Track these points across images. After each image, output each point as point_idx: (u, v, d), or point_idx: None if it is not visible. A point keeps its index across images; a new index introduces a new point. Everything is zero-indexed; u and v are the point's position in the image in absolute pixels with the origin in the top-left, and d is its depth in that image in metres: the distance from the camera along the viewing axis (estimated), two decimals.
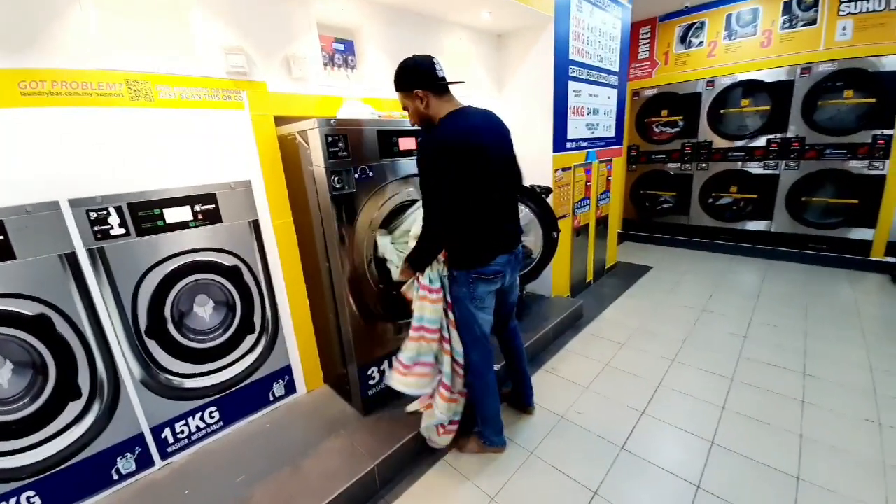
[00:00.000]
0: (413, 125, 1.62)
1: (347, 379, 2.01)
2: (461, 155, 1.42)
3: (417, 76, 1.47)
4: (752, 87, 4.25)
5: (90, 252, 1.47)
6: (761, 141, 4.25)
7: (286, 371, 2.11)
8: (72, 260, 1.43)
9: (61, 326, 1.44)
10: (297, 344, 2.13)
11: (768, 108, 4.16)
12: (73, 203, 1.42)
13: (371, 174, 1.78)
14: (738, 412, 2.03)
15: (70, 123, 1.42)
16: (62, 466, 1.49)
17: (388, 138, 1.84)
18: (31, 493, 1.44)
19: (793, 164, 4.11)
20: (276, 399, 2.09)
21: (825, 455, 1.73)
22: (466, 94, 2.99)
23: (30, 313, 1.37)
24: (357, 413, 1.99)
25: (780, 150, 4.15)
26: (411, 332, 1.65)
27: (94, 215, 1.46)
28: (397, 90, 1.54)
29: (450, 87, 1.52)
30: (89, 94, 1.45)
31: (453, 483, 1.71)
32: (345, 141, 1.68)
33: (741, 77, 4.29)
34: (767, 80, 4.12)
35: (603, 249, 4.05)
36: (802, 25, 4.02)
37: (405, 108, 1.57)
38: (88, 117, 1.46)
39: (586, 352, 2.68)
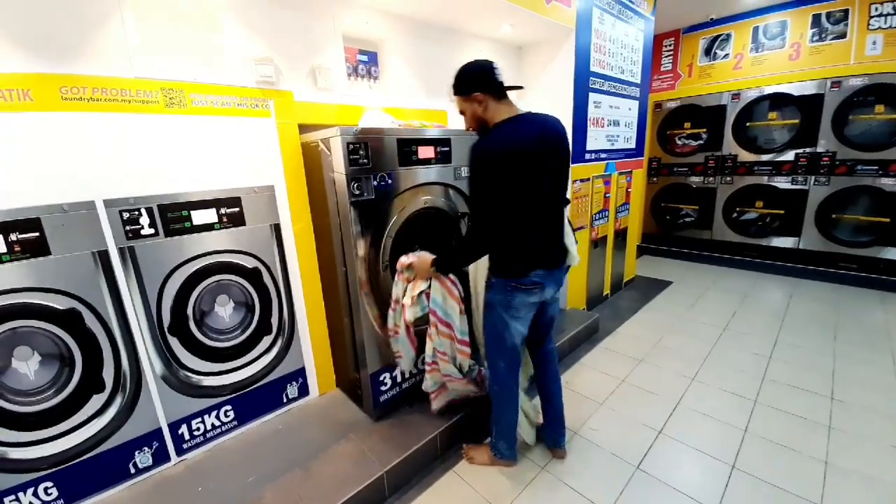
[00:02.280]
0: (468, 130, 1.58)
1: (360, 384, 2.02)
2: (509, 164, 1.37)
3: (477, 79, 1.45)
4: (779, 101, 4.15)
5: (121, 250, 1.53)
6: (789, 155, 4.13)
7: (300, 373, 2.14)
8: (104, 257, 1.50)
9: (90, 321, 1.50)
10: (311, 347, 2.16)
11: (797, 121, 4.05)
12: (108, 203, 1.48)
13: (390, 182, 1.81)
14: (761, 436, 1.94)
15: (107, 128, 1.50)
16: (81, 458, 1.54)
17: (407, 147, 1.86)
18: (48, 483, 1.48)
19: (823, 179, 3.97)
20: (290, 401, 2.12)
21: (851, 483, 1.65)
22: None
23: (61, 307, 1.44)
24: (368, 418, 1.99)
25: (810, 165, 4.02)
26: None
27: (126, 215, 1.52)
28: (456, 94, 1.51)
29: (508, 93, 1.49)
30: (127, 101, 1.53)
31: (463, 495, 1.69)
32: (365, 149, 1.71)
33: (768, 90, 4.19)
34: (796, 93, 4.02)
35: (621, 262, 3.98)
36: (832, 39, 3.93)
37: (462, 113, 1.54)
38: (125, 122, 1.53)
39: (602, 367, 2.63)
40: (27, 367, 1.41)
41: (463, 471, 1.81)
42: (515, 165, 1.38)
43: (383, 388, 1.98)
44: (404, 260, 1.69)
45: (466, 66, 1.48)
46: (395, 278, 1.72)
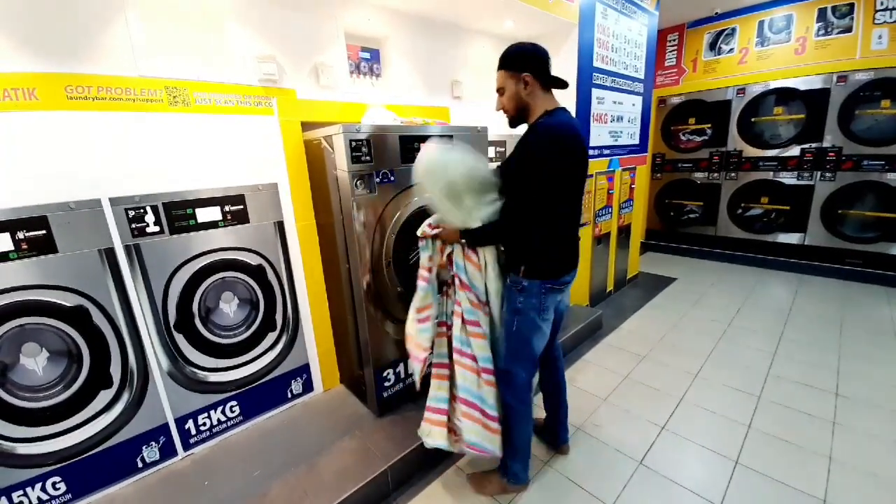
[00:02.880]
0: (499, 110, 1.50)
1: (363, 380, 2.04)
2: (570, 154, 1.34)
3: (532, 59, 1.38)
4: (785, 95, 4.11)
5: (127, 248, 1.55)
6: (795, 150, 4.10)
7: (304, 370, 2.16)
8: (110, 255, 1.51)
9: (97, 318, 1.52)
10: (315, 343, 2.18)
11: (803, 116, 4.02)
12: (114, 201, 1.50)
13: (392, 179, 1.82)
14: (764, 431, 1.94)
15: (112, 126, 1.51)
16: (90, 453, 1.56)
17: (409, 144, 1.87)
18: (56, 478, 1.50)
19: (829, 174, 3.94)
20: (294, 396, 2.14)
21: (855, 479, 1.65)
22: (487, 101, 3.02)
23: (69, 304, 1.46)
24: (372, 414, 2.01)
25: (815, 161, 3.99)
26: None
27: (132, 213, 1.54)
28: (503, 67, 1.42)
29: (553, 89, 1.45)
30: (132, 100, 1.54)
31: (466, 490, 1.70)
32: (368, 146, 1.72)
33: (774, 84, 4.16)
34: (802, 87, 3.98)
35: (625, 259, 3.97)
36: (838, 33, 3.89)
37: (499, 91, 1.45)
38: (130, 121, 1.55)
39: (605, 363, 2.63)
40: (35, 363, 1.43)
41: (466, 466, 1.82)
42: (574, 156, 1.35)
43: (387, 384, 1.99)
44: (432, 222, 1.56)
45: (522, 44, 1.41)
46: (420, 244, 1.59)
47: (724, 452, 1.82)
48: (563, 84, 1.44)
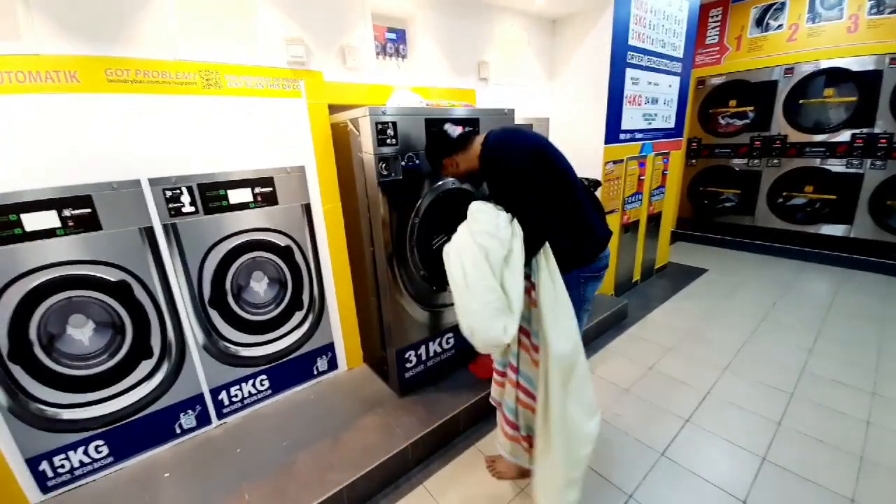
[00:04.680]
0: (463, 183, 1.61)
1: (386, 360, 2.09)
2: (520, 152, 1.40)
3: (446, 143, 1.55)
4: (836, 76, 3.81)
5: (165, 227, 1.62)
6: (845, 136, 3.81)
7: (329, 348, 2.23)
8: (150, 233, 1.59)
9: (139, 292, 1.61)
10: (340, 323, 2.24)
11: (854, 99, 3.72)
12: (153, 182, 1.57)
13: (417, 162, 1.81)
14: (795, 429, 1.88)
15: (150, 108, 1.56)
16: (131, 418, 1.67)
17: (435, 126, 1.85)
18: (99, 442, 1.62)
19: (879, 163, 3.65)
20: (320, 374, 2.21)
21: (885, 479, 1.58)
22: (513, 82, 2.93)
23: (113, 279, 1.55)
24: (394, 394, 2.06)
25: (866, 148, 3.70)
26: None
27: (168, 194, 1.60)
28: (441, 159, 1.57)
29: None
30: (168, 83, 1.58)
31: (484, 470, 1.73)
32: (394, 129, 1.71)
33: (825, 64, 3.85)
34: (855, 68, 3.67)
35: (653, 248, 3.85)
36: (891, 13, 3.54)
37: (448, 175, 1.62)
38: (166, 103, 1.59)
39: (629, 353, 2.59)
40: (82, 333, 1.54)
41: (485, 446, 1.85)
42: (525, 151, 1.41)
43: (408, 365, 2.03)
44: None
45: (432, 139, 1.63)
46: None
47: (752, 448, 1.78)
48: (469, 135, 1.55)
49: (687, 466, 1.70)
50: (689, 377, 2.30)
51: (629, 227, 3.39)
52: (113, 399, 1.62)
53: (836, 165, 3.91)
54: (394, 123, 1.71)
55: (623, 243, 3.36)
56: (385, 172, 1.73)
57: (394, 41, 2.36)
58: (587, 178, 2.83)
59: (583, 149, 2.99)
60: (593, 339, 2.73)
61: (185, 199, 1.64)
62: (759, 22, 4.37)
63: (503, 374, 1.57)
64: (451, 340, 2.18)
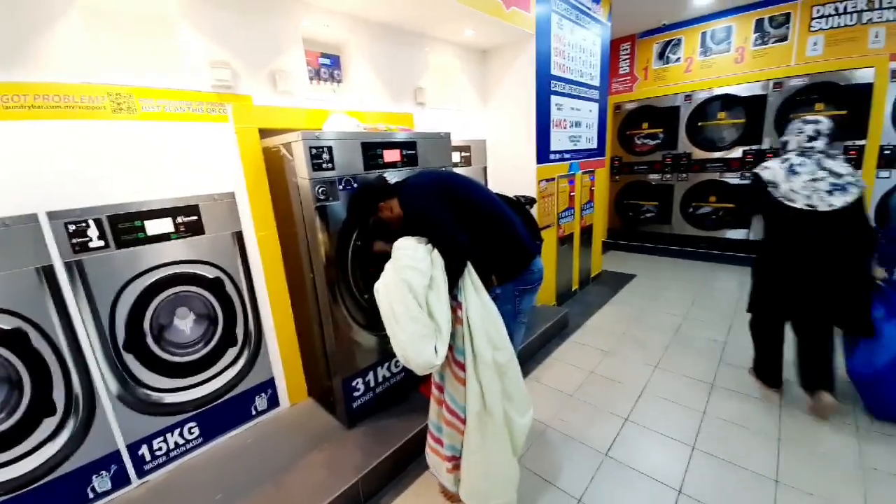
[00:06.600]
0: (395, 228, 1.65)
1: (332, 391, 2.00)
2: (432, 186, 1.56)
3: (371, 194, 1.64)
4: (727, 101, 4.42)
5: (67, 265, 1.45)
6: (738, 152, 4.40)
7: (269, 384, 2.09)
8: (48, 273, 1.41)
9: (36, 341, 1.41)
10: (280, 356, 2.11)
11: (743, 120, 4.32)
12: (52, 216, 1.40)
13: (355, 185, 1.80)
14: (718, 416, 2.06)
15: (51, 136, 1.42)
16: (38, 484, 1.44)
17: (372, 150, 1.86)
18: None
19: None
20: (259, 413, 2.06)
21: (803, 458, 1.78)
22: (450, 107, 3.05)
23: (5, 327, 1.34)
24: (341, 426, 1.97)
25: (755, 162, 4.29)
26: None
27: (72, 227, 1.44)
28: (374, 207, 1.65)
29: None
30: (71, 108, 1.45)
31: (438, 498, 1.69)
32: (329, 153, 1.70)
33: (717, 91, 4.46)
34: (742, 94, 4.29)
35: (588, 258, 4.11)
36: (774, 42, 4.22)
37: (388, 225, 1.67)
38: (70, 130, 1.46)
39: (572, 360, 2.71)
40: None
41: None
42: (435, 186, 1.56)
43: (356, 393, 1.96)
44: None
45: (357, 195, 1.72)
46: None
47: (682, 439, 1.92)
48: (394, 188, 1.65)
49: (628, 464, 1.80)
50: (625, 377, 2.46)
51: (565, 240, 3.60)
52: (12, 464, 1.39)
53: (733, 178, 4.48)
54: (329, 148, 1.70)
55: (561, 255, 3.55)
56: (322, 197, 1.70)
57: (328, 66, 2.37)
58: (523, 196, 2.98)
59: (518, 168, 3.17)
60: (538, 349, 2.83)
61: (93, 232, 1.48)
62: (661, 55, 4.98)
63: (441, 389, 1.59)
64: (400, 364, 2.15)
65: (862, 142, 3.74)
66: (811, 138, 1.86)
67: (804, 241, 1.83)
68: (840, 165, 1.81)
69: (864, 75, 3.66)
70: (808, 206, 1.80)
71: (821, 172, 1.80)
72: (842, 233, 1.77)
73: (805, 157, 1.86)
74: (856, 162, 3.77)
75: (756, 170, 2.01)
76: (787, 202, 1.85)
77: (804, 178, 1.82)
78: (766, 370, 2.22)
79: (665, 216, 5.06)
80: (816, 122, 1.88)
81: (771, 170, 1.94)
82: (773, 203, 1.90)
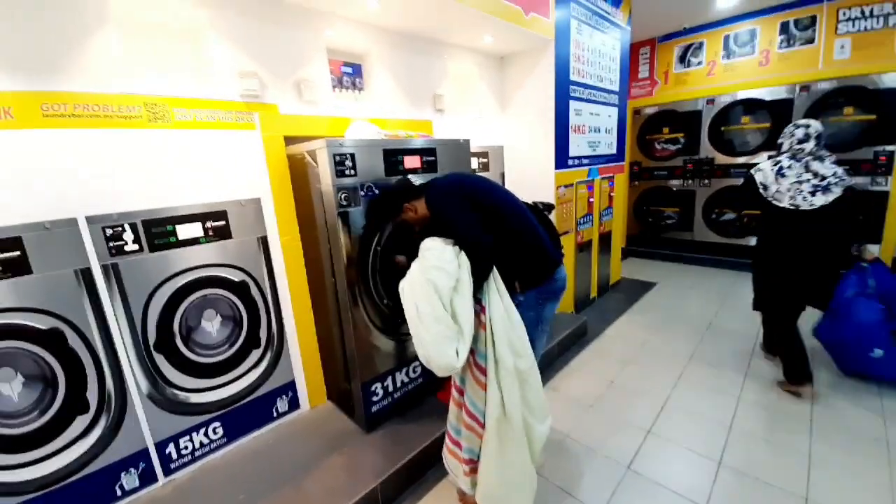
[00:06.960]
0: (417, 230, 1.67)
1: (350, 395, 2.01)
2: (459, 188, 1.56)
3: (397, 196, 1.65)
4: (752, 105, 4.32)
5: (104, 267, 1.51)
6: (762, 158, 4.28)
7: (290, 387, 2.12)
8: (86, 275, 1.47)
9: (73, 340, 1.47)
10: (301, 359, 2.14)
11: (769, 125, 4.21)
12: (91, 220, 1.46)
13: (377, 192, 1.83)
14: (745, 431, 2.00)
15: (90, 143, 1.48)
16: (68, 481, 1.49)
17: (393, 157, 1.89)
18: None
19: None
20: (280, 415, 2.09)
21: (834, 475, 1.70)
22: (468, 113, 3.07)
23: (43, 327, 1.40)
24: (360, 430, 1.98)
25: None
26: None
27: (109, 231, 1.50)
28: (400, 209, 1.65)
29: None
30: (109, 117, 1.51)
31: (457, 502, 1.68)
32: (352, 160, 1.73)
33: (741, 95, 4.36)
34: (767, 98, 4.18)
35: (607, 265, 4.05)
36: (801, 45, 4.11)
37: (413, 225, 1.67)
38: (108, 138, 1.52)
39: (591, 369, 2.67)
40: (11, 388, 1.37)
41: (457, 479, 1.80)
42: (461, 189, 1.56)
43: (374, 398, 1.97)
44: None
45: (382, 197, 1.73)
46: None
47: (708, 454, 1.87)
48: (420, 188, 1.66)
49: (652, 478, 1.76)
50: (647, 388, 2.40)
51: (583, 247, 3.56)
52: (47, 459, 1.44)
53: None
54: (351, 155, 1.73)
55: (579, 262, 3.51)
56: (344, 203, 1.73)
57: (350, 74, 2.41)
58: (542, 202, 2.96)
59: (536, 174, 3.15)
60: (557, 357, 2.80)
61: (129, 236, 1.54)
62: (682, 59, 4.90)
63: (461, 392, 1.57)
64: (418, 369, 2.15)
65: (892, 147, 3.61)
66: (801, 141, 2.04)
67: (793, 235, 2.05)
68: (826, 167, 1.97)
69: (893, 80, 3.53)
70: (792, 205, 2.01)
71: (806, 175, 1.99)
72: (826, 227, 1.98)
73: (795, 160, 2.03)
74: (885, 168, 3.63)
75: (751, 171, 2.18)
76: (775, 202, 2.06)
77: (790, 180, 2.01)
78: (794, 368, 2.22)
79: (686, 223, 4.95)
80: (807, 125, 2.04)
81: (763, 172, 2.13)
82: (764, 202, 2.11)
